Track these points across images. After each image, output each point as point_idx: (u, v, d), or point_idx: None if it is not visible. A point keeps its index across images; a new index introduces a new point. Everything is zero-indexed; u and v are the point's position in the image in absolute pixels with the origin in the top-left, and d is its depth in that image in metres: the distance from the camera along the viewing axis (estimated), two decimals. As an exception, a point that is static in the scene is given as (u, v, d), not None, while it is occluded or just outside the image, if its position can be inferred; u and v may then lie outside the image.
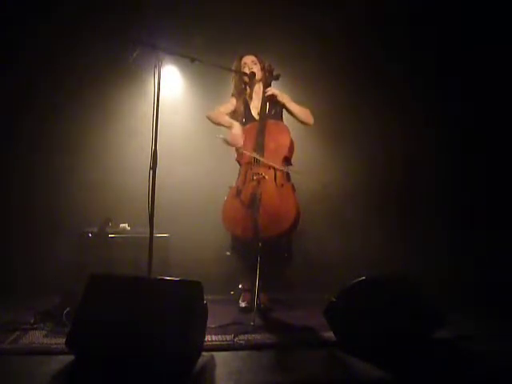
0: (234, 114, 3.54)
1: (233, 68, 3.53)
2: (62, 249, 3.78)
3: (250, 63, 3.50)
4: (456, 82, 4.22)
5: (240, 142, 3.33)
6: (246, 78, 3.50)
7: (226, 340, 2.62)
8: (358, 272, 2.63)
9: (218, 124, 3.48)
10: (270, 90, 3.44)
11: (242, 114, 3.54)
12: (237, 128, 3.38)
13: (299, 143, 3.47)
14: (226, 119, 3.45)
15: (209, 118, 3.50)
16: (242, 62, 3.51)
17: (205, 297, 2.35)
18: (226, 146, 3.34)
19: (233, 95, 3.59)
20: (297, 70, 4.10)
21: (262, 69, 3.53)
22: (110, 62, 4.01)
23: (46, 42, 3.98)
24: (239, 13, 4.11)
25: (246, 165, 3.35)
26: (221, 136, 3.34)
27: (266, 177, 3.23)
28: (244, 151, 3.32)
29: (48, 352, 2.42)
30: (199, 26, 4.14)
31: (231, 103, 3.56)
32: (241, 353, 2.46)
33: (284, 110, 3.54)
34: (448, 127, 4.25)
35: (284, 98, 3.47)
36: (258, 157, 3.27)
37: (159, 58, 2.76)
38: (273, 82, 3.53)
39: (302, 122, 3.48)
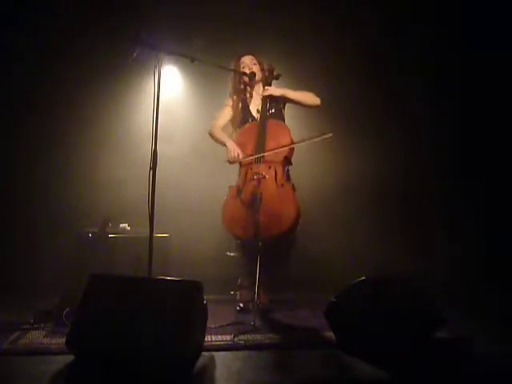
0: (233, 118, 3.56)
1: (232, 68, 3.53)
2: (62, 249, 3.78)
3: (250, 63, 3.50)
4: (456, 82, 4.22)
5: (237, 153, 3.32)
6: (246, 78, 3.50)
7: (226, 340, 2.62)
8: (358, 272, 2.63)
9: (216, 142, 3.51)
10: (267, 91, 3.44)
11: (241, 114, 3.55)
12: (230, 143, 3.39)
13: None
14: (220, 139, 3.46)
15: (210, 135, 3.54)
16: (241, 62, 3.51)
17: (205, 297, 2.35)
18: (231, 165, 3.38)
19: (230, 95, 3.58)
20: (297, 70, 4.09)
21: (262, 69, 3.53)
22: (110, 61, 4.01)
23: (46, 43, 3.98)
24: (239, 13, 4.11)
25: (247, 164, 3.35)
26: (225, 160, 3.37)
27: (267, 176, 3.23)
28: (246, 159, 3.32)
29: (48, 352, 2.42)
30: (199, 25, 4.14)
31: (228, 108, 3.56)
32: (241, 353, 2.46)
33: (287, 109, 3.55)
34: (448, 127, 4.24)
35: (282, 90, 3.47)
36: (259, 156, 3.27)
37: (159, 58, 2.76)
38: (273, 82, 3.53)
39: (310, 106, 3.50)
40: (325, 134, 3.18)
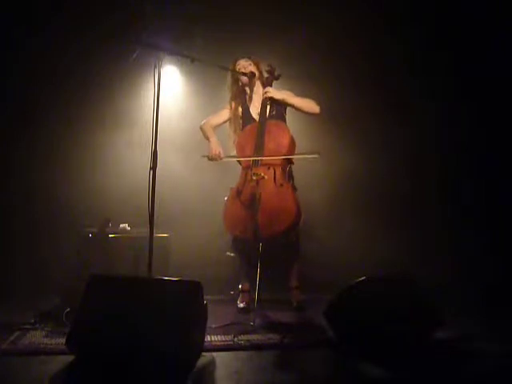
0: (231, 121, 3.57)
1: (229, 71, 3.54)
2: (62, 249, 3.78)
3: (245, 64, 3.50)
4: (456, 81, 4.23)
5: (218, 152, 3.37)
6: (245, 78, 3.50)
7: (226, 340, 2.62)
8: (358, 272, 2.63)
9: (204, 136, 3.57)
10: (268, 92, 3.43)
11: (241, 116, 3.55)
12: (213, 142, 3.44)
13: (299, 145, 3.46)
14: (207, 134, 3.52)
15: (200, 129, 3.60)
16: (237, 65, 3.52)
17: (205, 297, 2.35)
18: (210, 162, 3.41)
19: (230, 100, 3.59)
20: (297, 71, 4.09)
21: (259, 69, 3.53)
22: (110, 62, 4.02)
23: (46, 43, 3.98)
24: (239, 13, 4.11)
25: (247, 166, 3.36)
26: (203, 155, 3.41)
27: (266, 177, 3.22)
28: (242, 159, 3.36)
29: (48, 352, 2.42)
30: (199, 25, 4.14)
31: (226, 110, 3.58)
32: (241, 353, 2.46)
33: (288, 108, 3.55)
34: (448, 127, 4.25)
35: (283, 94, 3.47)
36: (256, 158, 3.28)
37: (159, 58, 2.76)
38: (274, 82, 3.53)
39: (308, 113, 3.48)
40: (313, 153, 3.32)
